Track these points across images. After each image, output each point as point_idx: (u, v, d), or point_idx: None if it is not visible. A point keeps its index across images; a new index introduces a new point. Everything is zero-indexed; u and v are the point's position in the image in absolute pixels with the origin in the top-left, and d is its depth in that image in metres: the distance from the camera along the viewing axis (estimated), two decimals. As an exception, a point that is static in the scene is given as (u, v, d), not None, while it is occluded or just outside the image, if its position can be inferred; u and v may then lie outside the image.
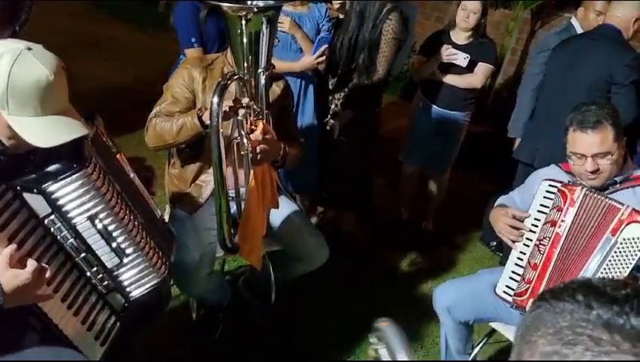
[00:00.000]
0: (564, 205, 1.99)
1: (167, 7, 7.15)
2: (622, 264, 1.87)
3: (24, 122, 1.35)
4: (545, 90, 3.15)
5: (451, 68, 3.34)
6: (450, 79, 3.34)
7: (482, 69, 3.35)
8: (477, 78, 3.35)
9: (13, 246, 1.33)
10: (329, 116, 3.05)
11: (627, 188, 2.03)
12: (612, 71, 2.82)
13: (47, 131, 1.37)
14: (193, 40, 2.81)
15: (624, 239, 1.86)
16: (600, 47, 2.89)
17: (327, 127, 3.06)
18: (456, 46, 3.32)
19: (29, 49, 1.35)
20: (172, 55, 3.09)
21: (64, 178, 1.44)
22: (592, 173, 1.97)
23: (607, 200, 1.93)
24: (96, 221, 1.51)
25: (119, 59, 5.64)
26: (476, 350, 2.40)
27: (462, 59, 3.26)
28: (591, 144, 1.95)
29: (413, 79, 3.52)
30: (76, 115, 1.46)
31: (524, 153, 3.19)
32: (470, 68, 3.32)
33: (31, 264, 1.35)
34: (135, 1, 7.17)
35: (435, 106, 3.43)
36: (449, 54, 3.26)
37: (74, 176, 1.44)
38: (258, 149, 1.97)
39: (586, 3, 3.37)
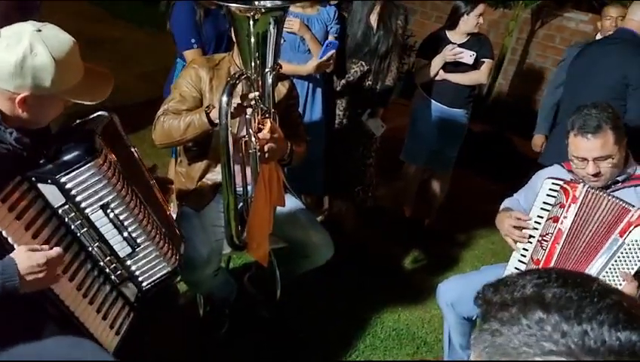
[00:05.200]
0: (567, 201, 2.03)
1: (167, 6, 7.17)
2: (627, 265, 1.90)
3: (73, 91, 1.48)
4: (566, 96, 3.15)
5: (449, 66, 3.35)
6: (455, 77, 3.36)
7: (487, 64, 3.39)
8: (482, 74, 3.40)
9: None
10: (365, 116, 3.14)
11: (629, 186, 2.07)
12: (626, 72, 2.81)
13: (90, 88, 1.53)
14: (193, 41, 2.82)
15: (631, 241, 1.89)
16: (615, 50, 2.91)
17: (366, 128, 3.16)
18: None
19: (39, 30, 1.42)
20: (174, 55, 3.11)
21: (77, 168, 1.48)
22: (594, 175, 2.01)
23: (611, 198, 1.97)
24: (108, 210, 1.55)
25: (122, 59, 5.66)
26: (479, 345, 2.43)
27: (468, 57, 3.29)
28: (592, 149, 1.98)
29: (415, 82, 3.54)
30: (90, 64, 1.58)
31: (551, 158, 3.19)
32: (471, 65, 3.35)
33: (44, 247, 1.39)
34: (136, 1, 7.19)
35: (436, 103, 3.45)
36: (455, 53, 3.28)
37: (86, 167, 1.49)
38: (266, 148, 2.00)
39: (604, 12, 3.48)
